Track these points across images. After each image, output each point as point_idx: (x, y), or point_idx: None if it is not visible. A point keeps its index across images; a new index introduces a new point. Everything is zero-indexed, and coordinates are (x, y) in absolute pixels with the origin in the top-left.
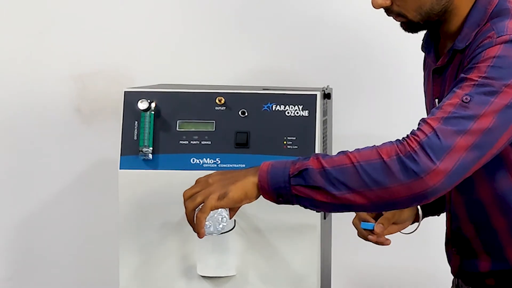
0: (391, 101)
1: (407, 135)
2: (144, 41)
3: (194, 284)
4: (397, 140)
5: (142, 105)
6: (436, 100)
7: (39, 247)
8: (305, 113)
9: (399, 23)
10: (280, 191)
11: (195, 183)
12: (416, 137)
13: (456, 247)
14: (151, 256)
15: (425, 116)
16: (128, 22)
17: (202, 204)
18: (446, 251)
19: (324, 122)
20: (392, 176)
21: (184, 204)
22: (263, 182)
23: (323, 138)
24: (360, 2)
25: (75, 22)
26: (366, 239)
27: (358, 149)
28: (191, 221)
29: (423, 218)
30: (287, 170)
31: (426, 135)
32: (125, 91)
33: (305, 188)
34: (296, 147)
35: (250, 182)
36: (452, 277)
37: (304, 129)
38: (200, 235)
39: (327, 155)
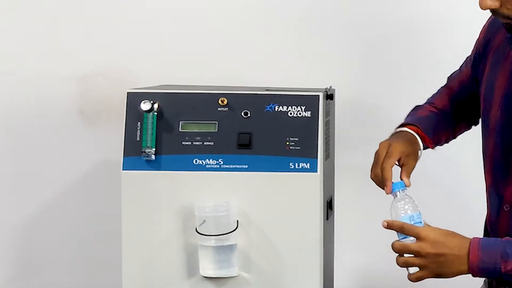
0: (394, 102)
1: None
2: (147, 42)
3: (197, 284)
4: None
5: (145, 106)
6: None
7: (42, 248)
8: (308, 113)
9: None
10: (491, 278)
11: (416, 254)
12: None
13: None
14: (154, 256)
15: None
16: (130, 23)
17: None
18: None
19: (327, 123)
20: None
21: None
22: (474, 274)
23: (326, 139)
24: (365, 2)
25: (78, 23)
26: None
27: None
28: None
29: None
30: (498, 267)
31: None
32: (127, 92)
33: None
34: (299, 147)
35: (461, 272)
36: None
37: (306, 129)
38: None
39: None
